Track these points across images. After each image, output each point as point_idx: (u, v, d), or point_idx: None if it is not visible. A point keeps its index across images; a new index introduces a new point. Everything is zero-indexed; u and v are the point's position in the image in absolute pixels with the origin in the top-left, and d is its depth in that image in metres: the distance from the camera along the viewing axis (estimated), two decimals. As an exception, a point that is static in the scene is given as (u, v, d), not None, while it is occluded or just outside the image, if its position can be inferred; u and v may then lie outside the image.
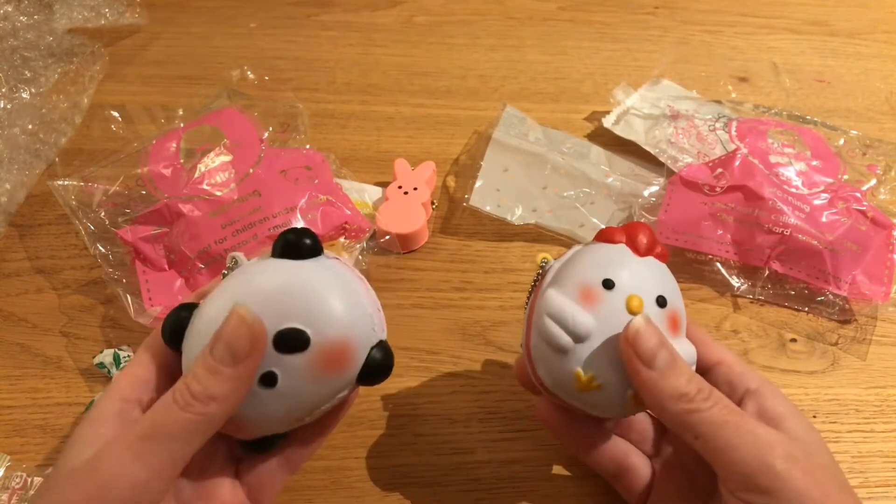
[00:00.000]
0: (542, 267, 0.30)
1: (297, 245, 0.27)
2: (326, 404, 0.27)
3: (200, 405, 0.24)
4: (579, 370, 0.27)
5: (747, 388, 0.29)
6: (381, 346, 0.27)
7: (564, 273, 0.29)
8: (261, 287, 0.26)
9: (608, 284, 0.28)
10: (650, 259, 0.29)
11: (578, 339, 0.27)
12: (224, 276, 0.28)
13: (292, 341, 0.25)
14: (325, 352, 0.26)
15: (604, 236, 0.30)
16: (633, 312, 0.27)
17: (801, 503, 0.24)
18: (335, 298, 0.26)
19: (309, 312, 0.25)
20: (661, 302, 0.28)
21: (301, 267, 0.27)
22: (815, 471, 0.25)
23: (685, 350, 0.28)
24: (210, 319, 0.25)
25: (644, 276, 0.28)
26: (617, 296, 0.27)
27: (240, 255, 0.28)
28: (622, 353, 0.27)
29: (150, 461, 0.23)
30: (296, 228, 0.28)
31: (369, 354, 0.27)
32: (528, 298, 0.30)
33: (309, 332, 0.25)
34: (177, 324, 0.27)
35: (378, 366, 0.27)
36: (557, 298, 0.28)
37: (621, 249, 0.29)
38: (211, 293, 0.27)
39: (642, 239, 0.29)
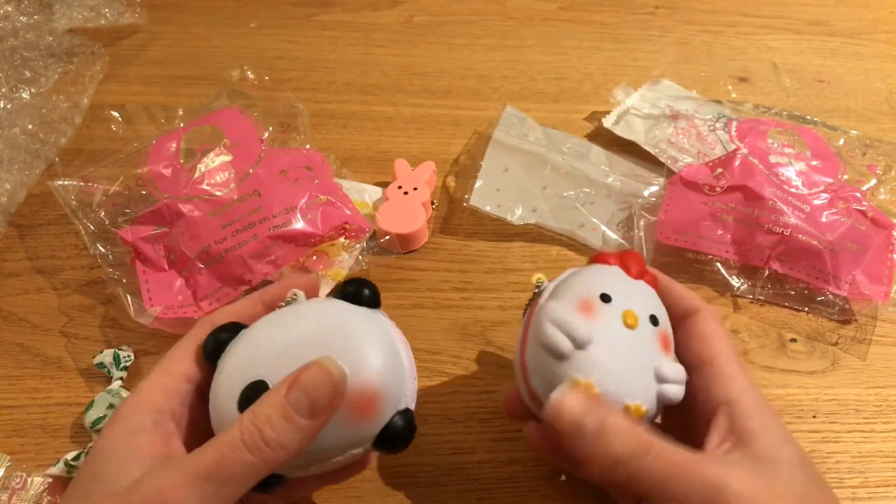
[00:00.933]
0: (537, 287, 0.31)
1: (356, 295, 0.29)
2: (339, 456, 0.27)
3: (269, 451, 0.23)
4: (578, 377, 0.27)
5: (724, 400, 0.27)
6: (406, 413, 0.28)
7: (562, 289, 0.30)
8: (313, 320, 0.27)
9: (605, 298, 0.29)
10: (642, 282, 0.31)
11: (579, 345, 0.27)
12: (280, 307, 0.29)
13: None
14: (354, 394, 0.26)
15: (598, 259, 0.32)
16: (629, 326, 0.28)
17: None
18: (378, 349, 0.27)
19: (350, 353, 0.26)
20: (654, 321, 0.29)
21: (355, 312, 0.28)
22: (773, 502, 0.24)
23: (675, 371, 0.29)
24: (261, 348, 0.27)
25: (638, 295, 0.30)
26: (613, 309, 0.29)
27: (300, 292, 0.29)
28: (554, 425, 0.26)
29: (208, 500, 0.22)
30: (359, 279, 0.29)
31: (392, 419, 0.27)
32: (524, 314, 0.31)
33: (346, 370, 0.26)
34: (218, 344, 0.28)
35: (398, 432, 0.27)
36: (559, 307, 0.28)
37: (615, 270, 0.31)
38: (264, 318, 0.28)
39: (634, 264, 0.31)
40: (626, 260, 0.31)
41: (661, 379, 0.28)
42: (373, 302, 0.29)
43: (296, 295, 0.29)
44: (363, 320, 0.28)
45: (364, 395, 0.26)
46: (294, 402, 0.24)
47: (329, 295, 0.30)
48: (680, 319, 0.31)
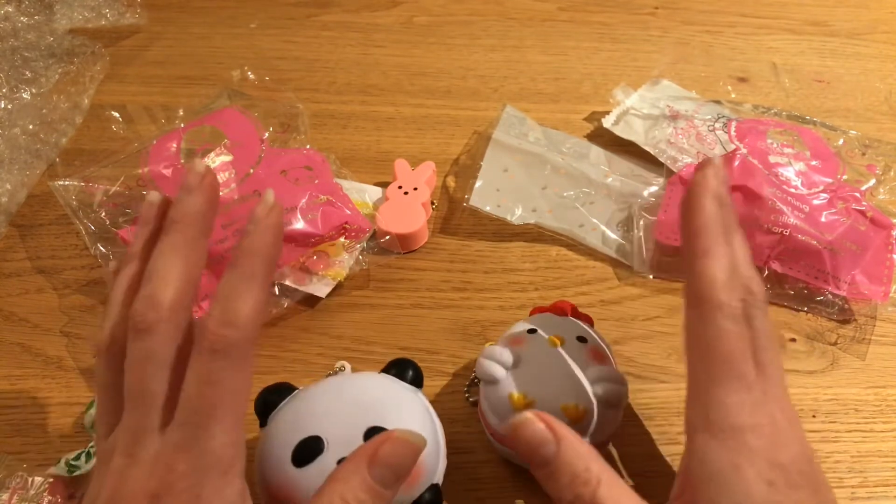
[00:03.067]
0: None
1: (402, 374, 0.32)
2: None
3: None
4: (512, 392, 0.31)
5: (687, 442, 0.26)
6: (435, 489, 0.30)
7: (499, 340, 0.35)
8: (364, 390, 0.30)
9: (532, 332, 0.34)
10: (571, 318, 0.36)
11: (506, 366, 0.32)
12: (329, 375, 0.33)
13: None
14: None
15: (532, 311, 0.37)
16: (553, 345, 0.33)
17: None
18: (422, 424, 0.30)
19: (399, 425, 0.28)
20: (582, 339, 0.34)
21: (402, 388, 0.31)
22: None
23: (603, 371, 0.32)
24: (316, 408, 0.29)
25: (564, 326, 0.34)
26: (539, 337, 0.33)
27: (347, 364, 0.34)
28: (515, 442, 0.26)
29: None
30: (405, 360, 0.33)
31: (423, 494, 0.29)
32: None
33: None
34: (268, 405, 0.31)
35: None
36: (489, 347, 0.33)
37: (545, 315, 0.36)
38: (314, 384, 0.31)
39: (564, 307, 0.36)
40: (555, 306, 0.36)
41: (592, 381, 0.31)
42: (416, 382, 0.32)
43: (343, 366, 0.34)
44: (409, 396, 0.31)
45: None
46: (380, 477, 0.24)
47: (381, 371, 0.33)
48: (688, 307, 0.27)
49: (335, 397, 0.29)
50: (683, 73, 0.59)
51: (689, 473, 0.25)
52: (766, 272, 0.43)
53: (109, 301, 0.26)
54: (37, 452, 0.36)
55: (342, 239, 0.43)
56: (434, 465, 0.30)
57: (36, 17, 0.58)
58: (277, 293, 0.42)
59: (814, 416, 0.39)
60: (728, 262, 0.26)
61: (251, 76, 0.53)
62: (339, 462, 0.27)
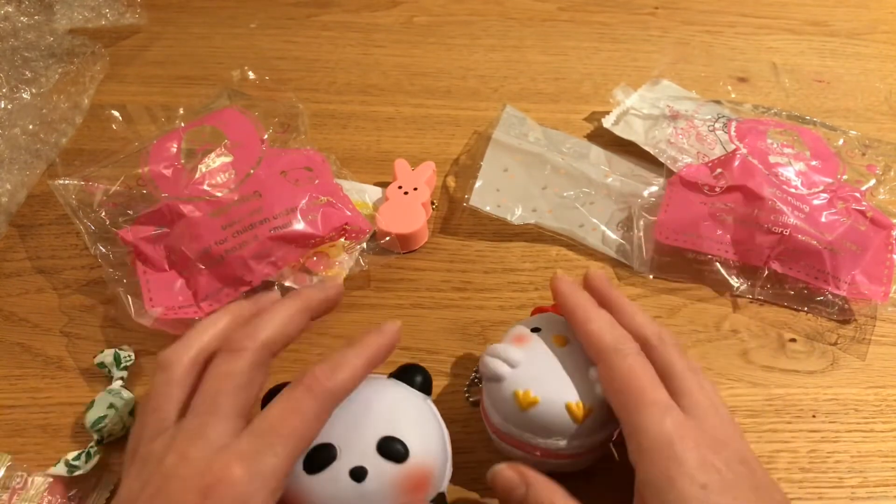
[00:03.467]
0: None
1: (411, 380, 0.32)
2: None
3: None
4: (517, 389, 0.31)
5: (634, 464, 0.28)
6: (441, 497, 0.30)
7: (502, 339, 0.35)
8: (377, 398, 0.30)
9: (536, 330, 0.34)
10: None
11: (513, 364, 0.32)
12: None
13: (394, 449, 0.28)
14: (413, 471, 0.28)
15: (535, 311, 0.37)
16: (558, 344, 0.33)
17: None
18: (433, 433, 0.30)
19: (413, 434, 0.29)
20: None
21: (413, 396, 0.32)
22: None
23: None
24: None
25: (567, 325, 0.34)
26: (544, 336, 0.34)
27: None
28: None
29: None
30: (415, 366, 0.33)
31: (430, 502, 0.29)
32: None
33: (409, 448, 0.28)
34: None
35: None
36: (493, 345, 0.33)
37: (548, 314, 0.36)
38: None
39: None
40: (557, 306, 0.35)
41: (596, 380, 0.31)
42: (425, 388, 0.33)
43: None
44: (420, 405, 0.31)
45: (422, 474, 0.29)
46: None
47: (389, 376, 0.33)
48: (596, 363, 0.31)
49: (347, 403, 0.28)
50: (683, 73, 0.59)
51: (639, 495, 0.28)
52: (766, 272, 0.43)
53: (207, 323, 0.30)
54: (37, 452, 0.36)
55: (342, 240, 0.43)
56: (441, 474, 0.30)
57: (36, 17, 0.58)
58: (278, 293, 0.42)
59: (814, 416, 0.39)
60: (608, 320, 0.32)
61: (251, 76, 0.53)
62: (352, 471, 0.27)
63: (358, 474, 0.27)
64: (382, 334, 0.30)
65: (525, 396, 0.31)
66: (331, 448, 0.28)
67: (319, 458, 0.28)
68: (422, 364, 0.33)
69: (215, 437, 0.25)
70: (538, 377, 0.32)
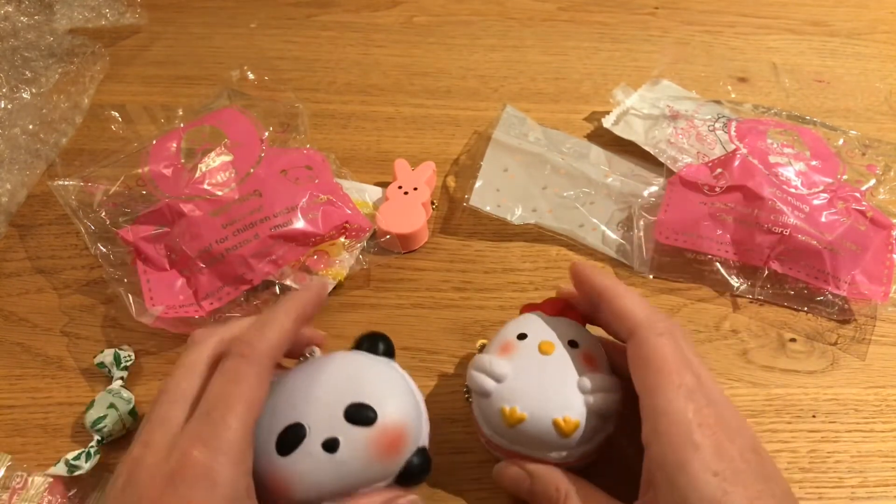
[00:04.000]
0: (479, 350, 0.35)
1: (373, 348, 0.32)
2: (366, 490, 0.29)
3: None
4: (504, 406, 0.31)
5: (646, 443, 0.29)
6: (423, 451, 0.30)
7: (491, 342, 0.34)
8: (339, 370, 0.30)
9: (522, 337, 0.33)
10: (562, 318, 0.35)
11: (498, 379, 0.32)
12: (300, 362, 0.32)
13: (362, 414, 0.28)
14: (384, 433, 0.28)
15: (523, 310, 0.36)
16: (545, 353, 0.32)
17: None
18: (400, 391, 0.30)
19: (379, 395, 0.29)
20: (574, 344, 0.33)
21: (376, 362, 0.31)
22: None
23: (597, 380, 0.31)
24: (295, 395, 0.29)
25: (556, 328, 0.33)
26: (530, 343, 0.33)
27: (317, 348, 0.33)
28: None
29: None
30: (375, 333, 0.33)
31: (411, 457, 0.29)
32: None
33: (377, 411, 0.28)
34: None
35: (418, 468, 0.30)
36: (479, 357, 0.33)
37: (535, 314, 0.35)
38: (290, 371, 0.31)
39: (552, 306, 0.35)
40: (546, 304, 0.35)
41: (584, 391, 0.31)
42: (388, 353, 0.33)
43: (313, 351, 0.33)
44: (383, 369, 0.31)
45: (395, 432, 0.29)
46: None
47: (351, 348, 0.33)
48: (626, 340, 0.31)
49: (311, 381, 0.29)
50: (683, 73, 0.59)
51: (648, 475, 0.28)
52: (766, 272, 0.43)
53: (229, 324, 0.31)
54: (37, 452, 0.36)
55: (342, 239, 0.43)
56: (417, 429, 0.30)
57: (36, 17, 0.58)
58: (278, 293, 0.42)
59: (814, 416, 0.39)
60: (639, 296, 0.32)
61: (251, 76, 0.53)
62: (324, 444, 0.28)
63: (331, 445, 0.28)
64: (308, 289, 0.31)
65: (512, 413, 0.31)
66: (299, 427, 0.28)
67: (290, 438, 0.28)
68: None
69: (175, 421, 0.26)
70: (525, 391, 0.31)
